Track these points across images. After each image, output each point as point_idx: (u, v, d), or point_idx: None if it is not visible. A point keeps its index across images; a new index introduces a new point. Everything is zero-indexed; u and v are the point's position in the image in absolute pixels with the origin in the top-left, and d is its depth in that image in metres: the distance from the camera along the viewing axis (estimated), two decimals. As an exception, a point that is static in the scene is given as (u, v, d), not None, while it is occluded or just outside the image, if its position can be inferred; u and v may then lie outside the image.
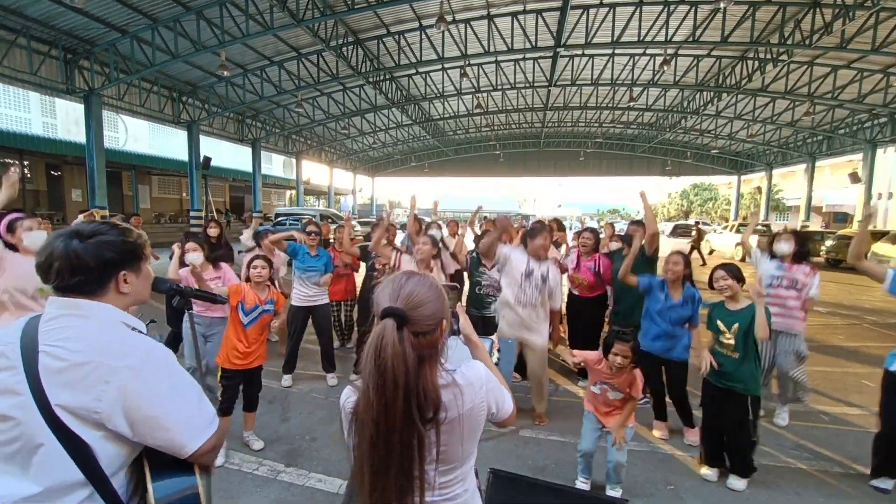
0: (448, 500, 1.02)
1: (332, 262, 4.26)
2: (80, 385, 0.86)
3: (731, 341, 2.65)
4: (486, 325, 3.94)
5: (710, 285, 2.84)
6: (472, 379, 1.02)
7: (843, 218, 24.01)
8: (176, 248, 3.38)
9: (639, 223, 4.17)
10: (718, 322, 2.73)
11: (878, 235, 12.55)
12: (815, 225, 22.68)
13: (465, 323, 1.26)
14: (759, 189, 28.78)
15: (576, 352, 2.73)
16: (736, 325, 2.63)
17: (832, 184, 26.03)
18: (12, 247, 2.53)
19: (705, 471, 2.80)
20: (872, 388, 4.31)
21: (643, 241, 3.63)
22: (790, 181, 30.28)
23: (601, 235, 4.76)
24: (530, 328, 3.34)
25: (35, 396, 0.84)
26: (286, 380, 4.13)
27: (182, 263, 3.19)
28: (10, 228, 2.55)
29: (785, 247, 3.48)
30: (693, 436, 3.20)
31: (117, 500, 0.90)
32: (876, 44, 10.71)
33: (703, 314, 3.05)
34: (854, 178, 18.05)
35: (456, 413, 0.96)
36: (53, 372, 0.86)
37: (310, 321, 4.19)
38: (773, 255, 3.57)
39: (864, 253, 2.74)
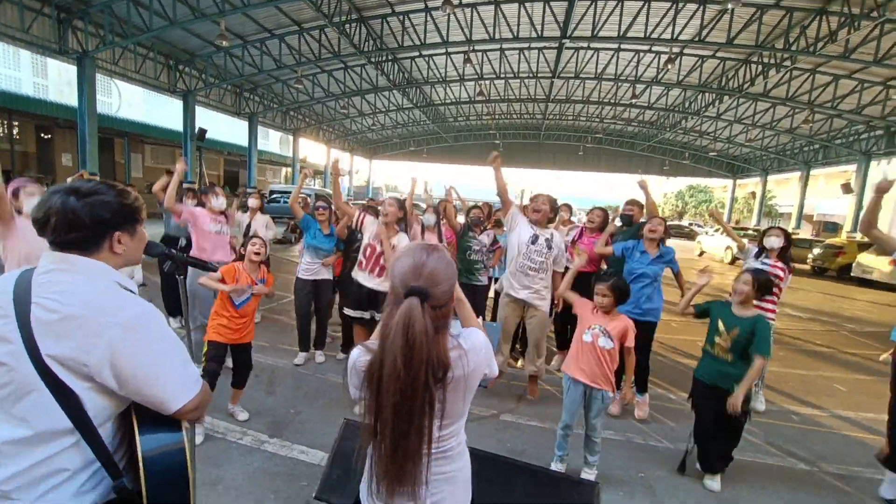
0: (443, 451, 1.11)
1: (341, 241, 4.24)
2: (70, 338, 0.88)
3: (727, 344, 2.62)
4: (474, 294, 3.99)
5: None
6: (475, 343, 1.12)
7: (833, 227, 24.34)
8: (179, 166, 3.61)
9: (635, 203, 4.29)
10: (719, 320, 2.69)
11: (864, 246, 12.78)
12: (805, 233, 22.98)
13: None
14: (753, 194, 29.03)
15: (574, 300, 2.80)
16: (736, 330, 2.59)
17: (825, 193, 26.32)
18: (18, 212, 2.55)
19: (709, 481, 2.72)
20: (843, 391, 4.47)
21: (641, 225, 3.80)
22: (784, 188, 30.56)
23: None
24: (534, 292, 3.47)
25: (26, 345, 0.87)
26: (300, 357, 4.12)
27: (183, 193, 3.50)
28: (15, 195, 2.60)
29: (774, 241, 3.68)
30: (641, 411, 3.49)
31: (104, 449, 0.93)
32: (878, 55, 10.77)
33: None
34: (846, 188, 18.27)
35: (461, 372, 1.06)
36: (45, 323, 0.88)
37: None
38: (760, 250, 3.78)
39: (876, 221, 2.65)
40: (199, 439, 2.75)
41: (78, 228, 0.95)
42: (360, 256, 3.26)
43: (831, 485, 2.85)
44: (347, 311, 3.28)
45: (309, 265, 4.06)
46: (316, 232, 4.03)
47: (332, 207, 4.16)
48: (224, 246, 3.98)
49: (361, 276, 3.21)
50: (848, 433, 3.59)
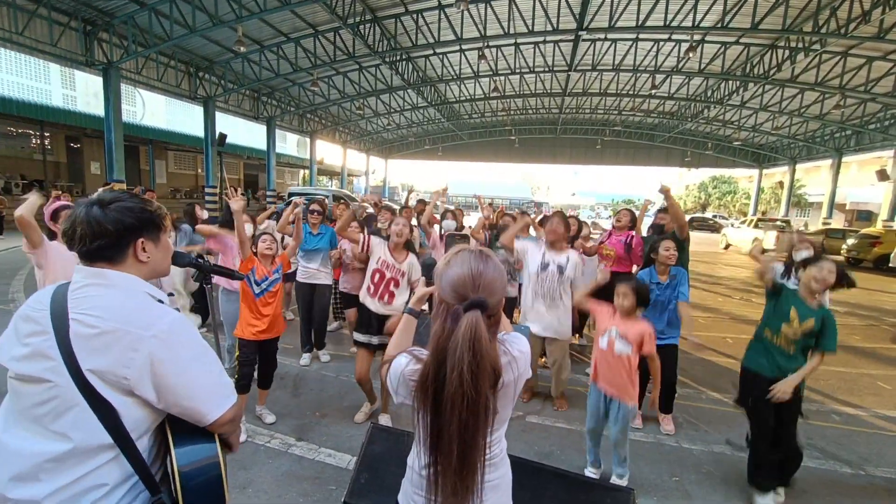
0: (489, 459, 1.08)
1: (336, 238, 4.21)
2: (110, 352, 0.89)
3: (795, 335, 2.41)
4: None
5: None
6: (522, 349, 1.10)
7: (867, 216, 23.33)
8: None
9: (666, 211, 4.15)
10: (793, 308, 2.44)
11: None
12: (838, 223, 22.08)
13: None
14: (780, 184, 28.03)
15: (591, 305, 2.73)
16: (811, 322, 2.39)
17: (858, 181, 25.23)
18: (53, 235, 2.56)
19: (762, 500, 2.50)
20: (888, 389, 4.25)
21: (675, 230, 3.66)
22: (814, 176, 29.43)
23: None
24: (548, 326, 3.37)
25: (66, 361, 0.87)
26: (305, 359, 4.19)
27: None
28: (55, 217, 2.61)
29: (804, 254, 3.14)
30: (668, 424, 3.30)
31: (142, 463, 0.93)
32: (916, 34, 10.21)
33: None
34: (882, 175, 17.45)
35: (511, 378, 1.04)
36: (84, 338, 0.89)
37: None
38: (787, 268, 3.24)
39: None
40: (242, 437, 2.81)
41: (102, 236, 0.96)
42: (368, 282, 3.09)
43: (879, 490, 2.71)
44: (356, 336, 3.18)
45: (305, 269, 4.16)
46: (305, 235, 4.09)
47: (326, 211, 4.25)
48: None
49: (370, 303, 3.11)
50: (895, 434, 3.41)
